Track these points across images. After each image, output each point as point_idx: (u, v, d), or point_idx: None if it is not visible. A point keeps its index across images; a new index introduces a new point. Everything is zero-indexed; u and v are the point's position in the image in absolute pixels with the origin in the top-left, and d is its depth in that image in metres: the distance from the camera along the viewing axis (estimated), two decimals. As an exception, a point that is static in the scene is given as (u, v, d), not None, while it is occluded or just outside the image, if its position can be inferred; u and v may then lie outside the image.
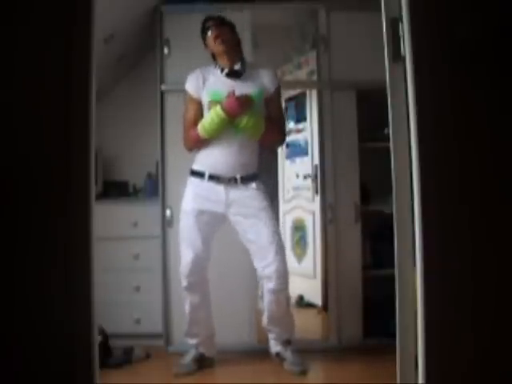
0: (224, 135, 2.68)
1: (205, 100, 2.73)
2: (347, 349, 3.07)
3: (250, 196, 2.74)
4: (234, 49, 2.75)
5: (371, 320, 3.13)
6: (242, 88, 2.68)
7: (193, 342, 2.85)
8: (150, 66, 3.35)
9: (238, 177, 2.72)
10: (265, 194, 2.79)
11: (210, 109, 2.69)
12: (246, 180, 2.74)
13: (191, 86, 2.76)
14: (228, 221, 2.78)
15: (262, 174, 2.88)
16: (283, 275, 2.72)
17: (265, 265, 2.71)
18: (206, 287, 2.80)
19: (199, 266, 2.74)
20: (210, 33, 2.72)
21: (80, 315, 1.54)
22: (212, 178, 2.72)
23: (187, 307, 2.79)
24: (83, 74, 1.56)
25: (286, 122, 3.38)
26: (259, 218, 2.72)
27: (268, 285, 2.73)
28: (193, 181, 2.77)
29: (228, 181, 2.72)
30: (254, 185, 2.75)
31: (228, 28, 2.75)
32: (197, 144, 2.75)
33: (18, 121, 1.54)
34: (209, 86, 2.73)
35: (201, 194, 2.74)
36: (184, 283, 2.74)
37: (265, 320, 2.87)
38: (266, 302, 2.79)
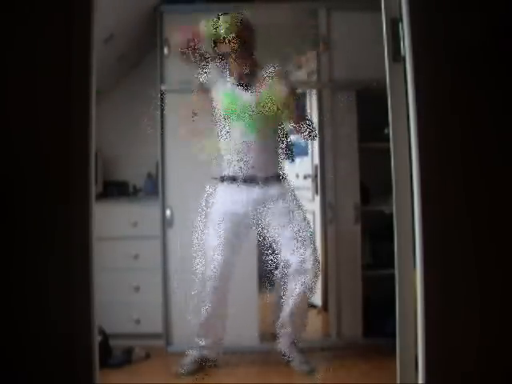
0: (243, 138, 2.74)
1: (221, 99, 2.80)
2: (347, 349, 3.07)
3: (279, 196, 2.78)
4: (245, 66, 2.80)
5: (371, 320, 3.13)
6: (249, 96, 2.77)
7: (202, 343, 2.83)
8: (150, 65, 3.35)
9: (265, 176, 2.78)
10: (293, 194, 2.85)
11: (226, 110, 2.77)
12: (272, 180, 2.80)
13: (205, 77, 2.82)
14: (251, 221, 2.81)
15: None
16: (317, 274, 2.77)
17: (302, 259, 2.72)
18: (228, 291, 2.81)
19: (228, 269, 2.76)
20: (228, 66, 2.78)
21: (80, 315, 1.54)
22: (240, 180, 2.77)
23: (207, 309, 2.77)
24: (83, 74, 1.57)
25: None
26: (290, 217, 2.76)
27: (300, 278, 2.73)
28: (222, 186, 2.82)
29: (255, 181, 2.77)
30: (281, 184, 2.81)
31: (245, 54, 2.79)
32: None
33: (19, 121, 1.54)
34: (224, 87, 2.80)
35: (231, 198, 2.78)
36: (211, 286, 2.75)
37: (283, 314, 2.83)
38: (292, 297, 2.77)
